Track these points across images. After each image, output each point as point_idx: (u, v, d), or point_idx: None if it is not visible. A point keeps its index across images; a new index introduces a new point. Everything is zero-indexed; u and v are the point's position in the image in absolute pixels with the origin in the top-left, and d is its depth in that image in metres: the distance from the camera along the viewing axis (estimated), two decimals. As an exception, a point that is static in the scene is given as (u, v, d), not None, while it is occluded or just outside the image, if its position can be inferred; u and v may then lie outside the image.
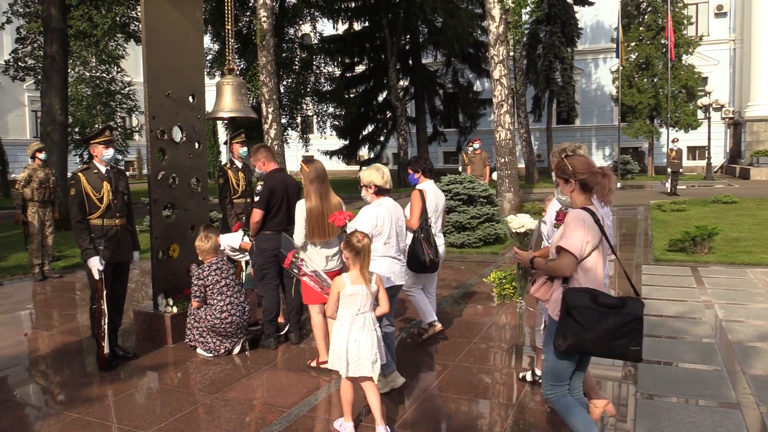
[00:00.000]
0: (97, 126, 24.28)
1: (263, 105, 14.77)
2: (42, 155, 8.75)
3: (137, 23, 18.80)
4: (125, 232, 5.09)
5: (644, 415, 3.79)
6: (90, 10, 17.40)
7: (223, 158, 31.72)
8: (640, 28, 26.52)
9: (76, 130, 28.46)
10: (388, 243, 4.11)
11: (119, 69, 28.19)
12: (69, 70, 19.48)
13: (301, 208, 4.69)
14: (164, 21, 5.65)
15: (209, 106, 6.45)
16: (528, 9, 14.34)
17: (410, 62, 30.14)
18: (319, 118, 27.69)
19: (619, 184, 23.56)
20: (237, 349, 5.14)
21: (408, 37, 29.11)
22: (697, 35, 27.76)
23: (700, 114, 26.59)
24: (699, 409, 3.88)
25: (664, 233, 10.75)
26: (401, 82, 29.71)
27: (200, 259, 5.24)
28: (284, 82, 24.55)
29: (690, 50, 25.78)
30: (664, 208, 14.27)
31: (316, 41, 27.27)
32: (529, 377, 4.31)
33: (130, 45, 23.76)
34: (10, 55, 20.00)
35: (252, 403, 4.15)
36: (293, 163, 28.07)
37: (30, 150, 8.76)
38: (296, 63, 24.97)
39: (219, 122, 26.03)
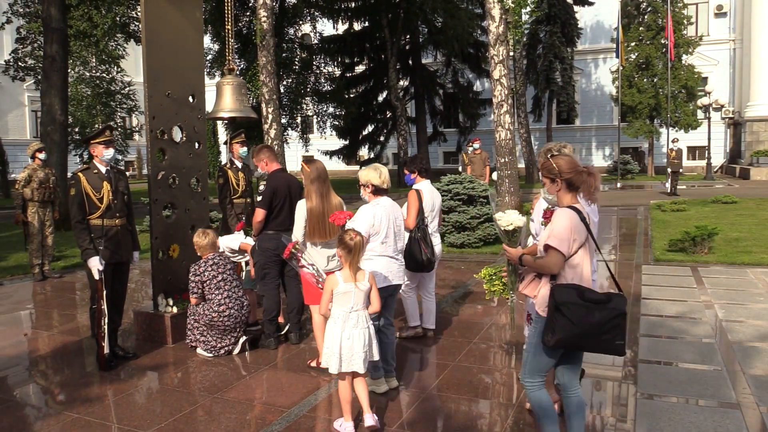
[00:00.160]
0: (97, 126, 24.29)
1: (263, 105, 14.77)
2: (42, 155, 8.75)
3: (137, 23, 18.80)
4: (125, 232, 5.09)
5: (644, 415, 3.79)
6: (90, 10, 17.39)
7: (223, 158, 31.72)
8: (640, 28, 26.52)
9: (76, 130, 28.45)
10: (385, 242, 4.11)
11: (119, 69, 28.19)
12: (69, 70, 19.47)
13: (301, 208, 4.70)
14: (164, 21, 5.65)
15: (209, 106, 6.45)
16: (528, 9, 14.33)
17: (410, 62, 30.14)
18: (319, 118, 27.69)
19: (619, 184, 23.59)
20: (237, 349, 5.14)
21: (408, 37, 29.11)
22: (697, 35, 27.76)
23: (700, 114, 26.59)
24: (699, 409, 3.88)
25: (664, 233, 10.75)
26: (401, 82, 29.71)
27: (199, 255, 5.24)
28: (284, 82, 24.55)
29: (690, 50, 25.78)
30: (664, 208, 14.27)
31: (316, 41, 27.27)
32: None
33: (130, 45, 23.76)
34: (10, 55, 19.99)
35: (252, 403, 4.15)
36: (293, 163, 28.07)
37: (30, 150, 8.76)
38: (296, 63, 24.97)
39: (219, 122, 26.04)
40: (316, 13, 25.83)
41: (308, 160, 4.83)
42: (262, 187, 5.28)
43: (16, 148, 28.58)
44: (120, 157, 29.41)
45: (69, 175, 6.75)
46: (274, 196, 5.20)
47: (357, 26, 28.88)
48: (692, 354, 4.88)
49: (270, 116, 14.70)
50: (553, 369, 3.25)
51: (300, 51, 25.73)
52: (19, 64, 19.73)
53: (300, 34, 26.16)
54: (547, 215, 3.53)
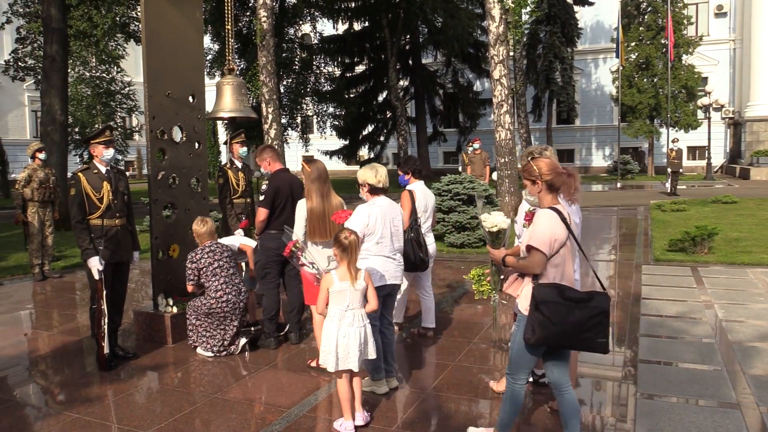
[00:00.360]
0: (97, 126, 24.29)
1: (263, 105, 14.77)
2: (42, 155, 8.75)
3: (137, 23, 18.80)
4: (125, 232, 5.09)
5: (644, 415, 3.79)
6: (90, 10, 17.39)
7: (223, 158, 31.73)
8: (640, 28, 26.53)
9: (76, 130, 28.46)
10: (380, 242, 4.11)
11: (119, 69, 28.20)
12: (69, 70, 19.47)
13: (302, 208, 4.70)
14: (164, 21, 5.65)
15: (209, 106, 6.45)
16: (528, 9, 14.32)
17: (410, 62, 30.17)
18: (319, 118, 27.70)
19: (619, 184, 23.60)
20: (238, 349, 5.13)
21: (408, 37, 29.13)
22: (697, 35, 27.77)
23: (700, 114, 26.60)
24: (699, 409, 3.88)
25: (664, 233, 10.75)
26: (401, 82, 29.72)
27: (197, 242, 5.23)
28: (284, 82, 24.55)
29: (690, 50, 25.80)
30: (664, 208, 14.27)
31: (316, 41, 27.27)
32: (529, 377, 4.32)
33: (130, 45, 23.76)
34: (10, 55, 19.99)
35: (252, 403, 4.15)
36: (293, 163, 28.07)
37: (30, 150, 8.76)
38: (296, 63, 24.97)
39: (219, 122, 26.04)
40: (316, 13, 25.83)
41: (309, 160, 4.83)
42: (264, 187, 5.28)
43: (16, 148, 28.58)
44: (120, 157, 29.41)
45: (69, 175, 6.75)
46: (276, 196, 5.21)
47: (357, 26, 28.89)
48: (692, 354, 4.88)
49: (270, 116, 14.70)
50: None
51: (300, 51, 25.74)
52: (19, 64, 19.73)
53: (300, 34, 26.17)
54: (528, 217, 3.59)
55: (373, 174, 4.18)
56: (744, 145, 28.25)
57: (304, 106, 26.30)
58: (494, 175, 13.33)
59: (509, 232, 3.59)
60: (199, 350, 5.15)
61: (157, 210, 5.64)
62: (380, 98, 29.70)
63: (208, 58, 22.75)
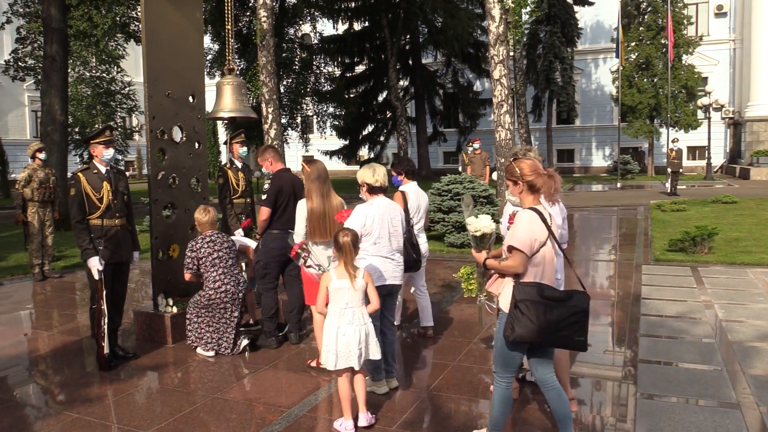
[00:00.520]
0: (97, 126, 24.28)
1: (263, 105, 14.77)
2: (42, 155, 8.75)
3: (137, 23, 18.79)
4: (125, 232, 5.09)
5: (644, 415, 3.79)
6: (90, 10, 17.39)
7: (223, 158, 31.73)
8: (640, 28, 26.53)
9: (76, 130, 28.45)
10: (378, 243, 4.11)
11: (119, 69, 28.20)
12: (69, 70, 19.45)
13: (302, 208, 4.71)
14: (164, 21, 5.65)
15: (209, 106, 6.45)
16: (528, 9, 14.32)
17: (410, 62, 30.17)
18: (319, 118, 27.70)
19: (619, 184, 23.60)
20: (239, 349, 5.13)
21: (408, 37, 29.14)
22: (697, 35, 27.77)
23: (700, 114, 26.60)
24: (699, 409, 3.88)
25: (664, 233, 10.75)
26: (401, 82, 29.73)
27: (198, 231, 5.21)
28: (284, 82, 24.55)
29: (690, 50, 25.80)
30: (664, 208, 14.27)
31: (316, 41, 27.27)
32: (529, 377, 4.32)
33: (130, 45, 23.76)
34: (10, 55, 19.98)
35: (252, 403, 4.15)
36: (293, 163, 27.99)
37: (30, 150, 8.76)
38: (296, 63, 24.98)
39: (219, 122, 26.04)
40: (316, 13, 25.84)
41: (309, 160, 4.84)
42: (267, 186, 5.29)
43: (16, 148, 28.58)
44: (120, 157, 29.41)
45: (69, 175, 6.75)
46: (279, 195, 5.22)
47: (357, 26, 28.90)
48: (692, 354, 4.88)
49: (270, 116, 14.70)
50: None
51: (300, 51, 25.74)
52: (19, 64, 19.72)
53: (300, 34, 26.17)
54: (512, 220, 3.63)
55: (371, 173, 4.18)
56: (744, 145, 28.25)
57: (304, 106, 26.31)
58: (494, 175, 13.33)
59: (494, 236, 3.60)
60: (199, 350, 5.15)
61: (157, 210, 5.64)
62: (380, 98, 29.71)
63: (208, 58, 22.75)
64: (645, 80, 26.21)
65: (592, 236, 11.74)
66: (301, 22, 25.44)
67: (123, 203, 5.06)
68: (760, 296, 6.61)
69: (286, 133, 24.84)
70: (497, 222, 4.03)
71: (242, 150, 6.60)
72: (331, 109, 27.59)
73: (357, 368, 3.61)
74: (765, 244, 9.47)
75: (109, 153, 5.00)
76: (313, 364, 4.79)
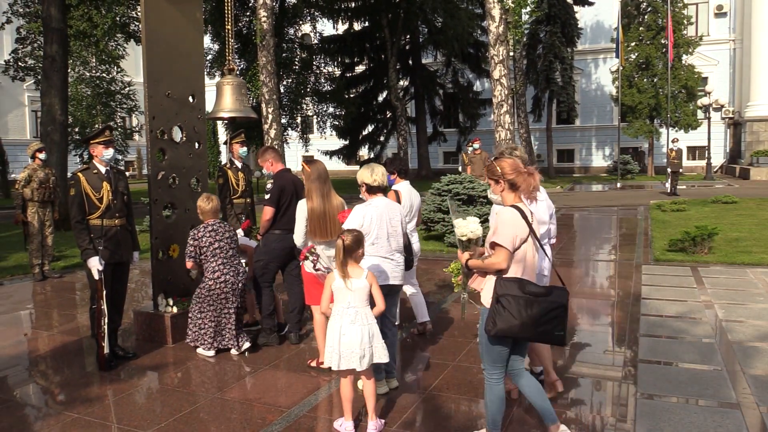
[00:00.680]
0: (97, 126, 24.29)
1: (263, 105, 14.78)
2: (42, 155, 8.75)
3: (137, 23, 18.79)
4: (125, 232, 5.09)
5: (644, 415, 3.79)
6: (90, 10, 17.39)
7: (223, 158, 31.74)
8: (640, 28, 26.53)
9: (76, 130, 28.46)
10: (376, 243, 4.10)
11: (119, 69, 28.19)
12: (69, 70, 19.45)
13: (302, 208, 4.71)
14: (164, 21, 5.65)
15: (209, 106, 6.45)
16: (528, 9, 14.34)
17: (410, 62, 30.18)
18: (319, 118, 27.71)
19: (619, 184, 23.61)
20: (240, 349, 5.12)
21: (408, 37, 29.15)
22: (697, 35, 27.77)
23: (700, 114, 26.60)
24: (699, 409, 3.88)
25: (664, 233, 10.75)
26: (401, 82, 29.74)
27: (200, 219, 5.18)
28: (284, 82, 24.56)
29: (690, 50, 25.79)
30: (664, 208, 14.27)
31: (316, 41, 27.28)
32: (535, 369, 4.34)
33: (130, 45, 23.75)
34: (10, 55, 19.98)
35: (252, 403, 4.15)
36: (293, 163, 27.96)
37: (30, 150, 8.76)
38: (296, 63, 24.99)
39: (219, 122, 26.04)
40: (316, 13, 25.86)
41: (309, 160, 4.84)
42: (269, 186, 5.30)
43: (16, 148, 28.57)
44: (120, 157, 29.43)
45: (69, 175, 6.75)
46: (281, 195, 5.23)
47: (357, 26, 28.91)
48: (692, 354, 4.88)
49: (270, 116, 14.70)
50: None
51: (300, 51, 25.76)
52: (19, 64, 19.72)
53: (300, 34, 26.18)
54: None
55: (369, 173, 4.18)
56: (744, 145, 28.25)
57: (304, 106, 26.32)
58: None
59: (481, 239, 3.62)
60: (199, 350, 5.14)
61: (157, 210, 5.64)
62: (380, 98, 29.71)
63: (208, 58, 22.76)
64: (645, 80, 26.21)
65: (593, 236, 11.75)
66: (301, 22, 25.46)
67: (123, 203, 5.06)
68: (760, 296, 6.61)
69: (286, 133, 24.85)
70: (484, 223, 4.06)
71: (242, 150, 6.60)
72: (331, 109, 27.60)
73: (359, 369, 3.58)
74: (765, 244, 9.47)
75: (109, 153, 5.00)
76: (313, 364, 4.79)
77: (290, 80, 24.98)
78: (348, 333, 3.56)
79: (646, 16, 26.75)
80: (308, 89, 25.88)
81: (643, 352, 4.94)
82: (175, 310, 5.50)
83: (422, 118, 30.23)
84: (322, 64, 28.04)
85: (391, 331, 4.33)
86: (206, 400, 4.19)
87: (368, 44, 28.89)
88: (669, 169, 18.96)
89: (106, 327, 4.76)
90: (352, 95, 28.44)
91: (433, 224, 10.30)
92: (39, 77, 18.10)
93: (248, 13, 22.82)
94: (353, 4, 27.30)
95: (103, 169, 4.97)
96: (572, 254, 9.78)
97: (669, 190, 18.80)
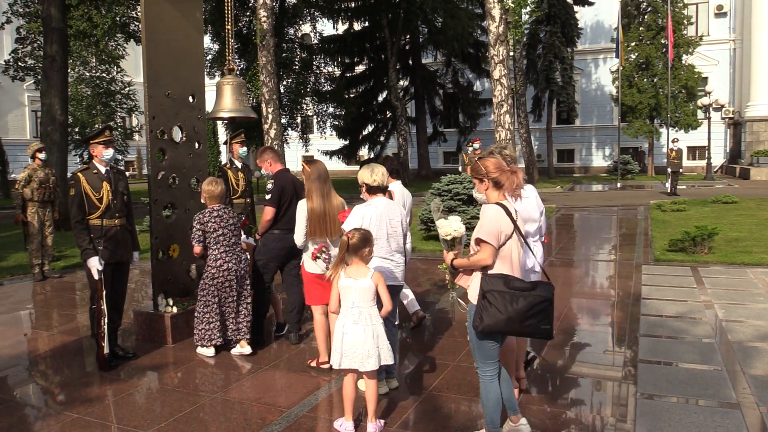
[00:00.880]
0: (97, 126, 24.27)
1: (263, 105, 14.77)
2: (42, 155, 8.75)
3: (137, 23, 18.80)
4: (125, 232, 5.09)
5: (644, 415, 3.79)
6: (90, 10, 17.39)
7: (223, 158, 31.72)
8: (640, 28, 26.53)
9: (76, 130, 28.45)
10: (376, 244, 4.09)
11: (119, 69, 28.19)
12: (69, 70, 19.46)
13: (302, 208, 4.71)
14: (164, 21, 5.65)
15: (209, 106, 6.45)
16: (528, 9, 14.34)
17: (410, 62, 30.17)
18: (319, 118, 27.70)
19: (619, 184, 23.61)
20: (240, 349, 5.12)
21: (408, 37, 29.13)
22: (697, 35, 27.77)
23: (700, 114, 26.60)
24: (699, 409, 3.88)
25: (664, 233, 10.75)
26: (401, 82, 29.72)
27: (203, 202, 5.11)
28: (284, 82, 24.56)
29: (690, 50, 25.79)
30: (664, 208, 14.27)
31: (316, 41, 27.28)
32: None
33: (130, 45, 23.76)
34: (10, 55, 19.98)
35: (252, 403, 4.15)
36: (293, 163, 27.98)
37: (30, 150, 8.77)
38: (296, 63, 24.98)
39: (219, 122, 26.04)
40: (316, 13, 25.85)
41: (309, 160, 4.85)
42: (269, 186, 5.30)
43: (16, 148, 28.58)
44: (120, 157, 29.42)
45: (69, 175, 6.75)
46: (282, 195, 5.23)
47: (357, 26, 28.89)
48: (692, 354, 4.88)
49: (270, 116, 14.70)
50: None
51: (300, 51, 25.75)
52: (19, 64, 19.72)
53: (300, 34, 26.17)
54: None
55: (369, 173, 4.18)
56: (744, 145, 28.25)
57: (304, 106, 26.31)
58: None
59: (465, 237, 3.65)
60: (198, 350, 5.14)
61: (157, 210, 5.64)
62: (380, 98, 29.69)
63: (208, 58, 22.75)
64: (645, 80, 26.20)
65: (593, 236, 11.75)
66: (301, 22, 25.45)
67: (123, 203, 5.06)
68: (760, 296, 6.61)
69: (286, 133, 24.85)
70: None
71: (242, 150, 6.60)
72: (331, 109, 27.59)
73: (362, 370, 3.57)
74: (765, 244, 9.47)
75: (109, 153, 5.00)
76: (313, 364, 4.79)
77: (290, 80, 24.98)
78: (350, 332, 3.56)
79: (646, 16, 26.75)
80: (308, 89, 25.87)
81: (643, 352, 4.94)
82: (175, 310, 5.50)
83: (422, 118, 30.22)
84: (322, 64, 28.02)
85: (391, 332, 4.32)
86: (206, 400, 4.19)
87: (368, 44, 28.87)
88: (669, 169, 18.96)
89: (106, 327, 4.76)
90: (352, 95, 28.42)
91: (433, 224, 10.30)
92: (39, 77, 18.11)
93: (248, 13, 22.81)
94: (353, 4, 27.28)
95: (103, 169, 4.97)
96: (572, 254, 9.78)
97: (669, 190, 18.80)
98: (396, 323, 5.24)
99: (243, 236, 5.95)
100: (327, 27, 28.97)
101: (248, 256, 5.35)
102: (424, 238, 10.91)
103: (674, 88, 25.28)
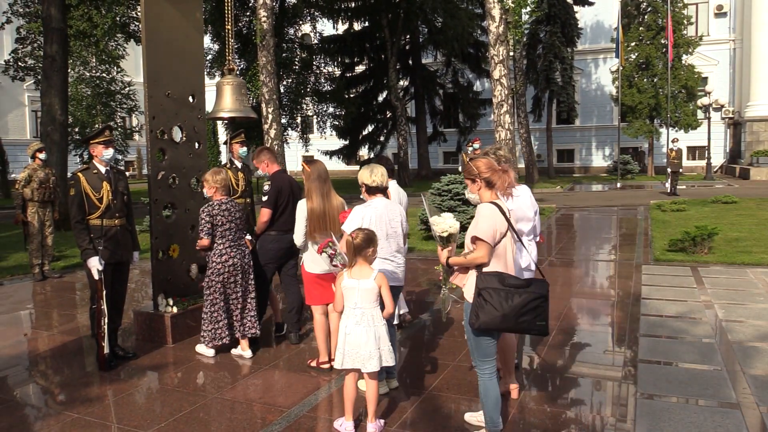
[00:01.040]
0: (97, 126, 24.26)
1: (263, 105, 14.77)
2: (42, 155, 8.75)
3: (137, 23, 18.80)
4: (125, 232, 5.09)
5: (644, 415, 3.79)
6: (90, 10, 17.39)
7: (223, 158, 31.71)
8: (640, 28, 26.53)
9: (76, 130, 28.45)
10: None
11: (119, 69, 28.18)
12: (69, 70, 19.45)
13: (302, 208, 4.71)
14: (164, 21, 5.65)
15: (209, 106, 6.46)
16: (528, 9, 14.34)
17: (410, 62, 30.16)
18: (319, 118, 27.70)
19: (619, 184, 23.61)
20: (240, 351, 5.12)
21: (408, 37, 29.13)
22: (697, 35, 27.77)
23: (700, 114, 26.60)
24: (699, 409, 3.88)
25: (664, 233, 10.75)
26: (401, 82, 29.71)
27: (209, 195, 5.05)
28: (284, 82, 24.56)
29: (690, 50, 25.79)
30: (664, 208, 14.27)
31: (316, 41, 27.27)
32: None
33: (130, 45, 23.76)
34: (10, 55, 19.98)
35: (252, 403, 4.15)
36: (293, 163, 28.01)
37: (30, 150, 8.77)
38: (296, 63, 24.98)
39: (219, 122, 26.04)
40: (316, 13, 25.84)
41: (309, 160, 4.84)
42: (266, 187, 5.30)
43: (16, 148, 28.58)
44: (120, 157, 29.42)
45: (69, 175, 6.76)
46: (279, 196, 5.23)
47: (357, 26, 28.88)
48: (692, 354, 4.88)
49: (270, 116, 14.70)
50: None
51: (300, 51, 25.74)
52: (19, 64, 19.72)
53: (300, 34, 26.16)
54: None
55: (369, 174, 4.18)
56: (744, 145, 28.25)
57: (304, 106, 26.31)
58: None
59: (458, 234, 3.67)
60: (199, 349, 5.14)
61: (157, 210, 5.64)
62: (380, 98, 29.69)
63: (208, 58, 22.75)
64: (645, 80, 26.20)
65: (593, 236, 11.75)
66: (301, 22, 25.44)
67: (123, 203, 5.06)
68: (760, 296, 6.61)
69: (286, 133, 24.84)
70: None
71: (242, 150, 6.60)
72: (331, 109, 27.59)
73: (365, 371, 3.57)
74: (765, 244, 9.47)
75: (109, 153, 5.00)
76: (313, 364, 4.79)
77: (290, 80, 24.97)
78: (353, 333, 3.57)
79: (646, 16, 26.75)
80: (308, 89, 25.87)
81: (643, 352, 4.94)
82: (175, 310, 5.51)
83: (422, 118, 30.21)
84: (322, 64, 28.02)
85: (391, 332, 4.33)
86: (206, 400, 4.19)
87: (368, 44, 28.86)
88: (669, 169, 18.96)
89: (106, 327, 4.76)
90: (352, 95, 28.42)
91: (433, 224, 10.29)
92: (39, 77, 18.11)
93: (248, 13, 22.81)
94: (353, 4, 27.28)
95: (103, 169, 4.97)
96: (572, 254, 9.78)
97: (669, 190, 18.80)
98: (396, 323, 5.24)
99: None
100: (327, 27, 28.96)
101: (249, 251, 5.34)
102: (423, 238, 10.91)
103: (674, 88, 25.29)
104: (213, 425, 3.80)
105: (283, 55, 22.98)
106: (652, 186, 22.88)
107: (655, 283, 7.36)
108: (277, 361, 5.00)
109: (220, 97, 6.54)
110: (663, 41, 25.41)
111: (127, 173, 21.89)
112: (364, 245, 3.60)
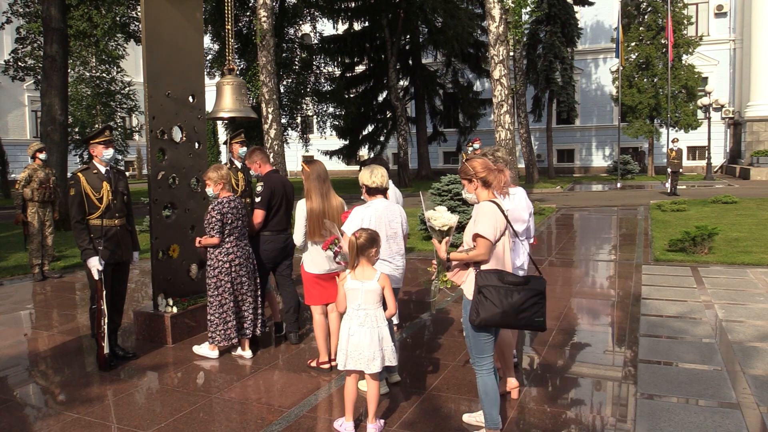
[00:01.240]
0: (97, 126, 24.28)
1: (263, 105, 14.76)
2: (42, 155, 8.75)
3: (137, 23, 18.80)
4: (125, 232, 5.09)
5: (644, 415, 3.79)
6: (90, 10, 17.39)
7: (223, 158, 31.72)
8: (640, 28, 26.53)
9: (76, 130, 28.45)
10: None
11: (119, 69, 28.18)
12: (69, 70, 19.44)
13: (301, 208, 4.71)
14: (164, 21, 5.65)
15: (209, 106, 6.46)
16: (528, 9, 14.32)
17: (410, 62, 30.16)
18: (319, 118, 27.68)
19: (619, 184, 23.61)
20: (245, 351, 5.12)
21: (408, 37, 29.12)
22: (697, 35, 27.77)
23: (700, 114, 26.60)
24: (699, 409, 3.88)
25: (664, 233, 10.75)
26: (401, 82, 29.71)
27: (214, 193, 5.00)
28: (284, 82, 24.55)
29: (690, 50, 25.79)
30: (664, 208, 14.27)
31: (316, 41, 27.27)
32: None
33: (130, 45, 23.76)
34: (10, 55, 19.98)
35: (252, 403, 4.15)
36: (293, 163, 28.01)
37: (30, 150, 8.77)
38: (296, 63, 24.96)
39: (219, 122, 26.04)
40: (316, 13, 25.83)
41: (308, 160, 4.84)
42: (259, 188, 5.29)
43: (16, 148, 28.59)
44: (120, 157, 29.41)
45: (69, 175, 6.76)
46: (272, 197, 5.22)
47: (357, 26, 28.89)
48: (692, 354, 4.88)
49: (270, 116, 14.69)
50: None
51: (300, 51, 25.73)
52: (19, 64, 19.71)
53: (300, 34, 26.15)
54: None
55: (369, 174, 4.18)
56: (744, 145, 28.25)
57: (304, 106, 26.29)
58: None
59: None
60: (197, 350, 5.14)
61: (157, 210, 5.64)
62: (380, 98, 29.69)
63: (208, 58, 22.74)
64: (645, 80, 26.20)
65: (593, 236, 11.75)
66: (301, 22, 25.43)
67: (123, 203, 5.06)
68: (760, 296, 6.61)
69: (286, 133, 24.84)
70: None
71: (242, 150, 6.59)
72: (331, 109, 27.57)
73: (368, 372, 3.57)
74: (765, 244, 9.47)
75: (109, 153, 5.00)
76: (313, 364, 4.79)
77: (290, 80, 24.96)
78: (356, 334, 3.56)
79: (646, 16, 26.75)
80: (308, 89, 25.85)
81: (643, 352, 4.94)
82: (175, 310, 5.51)
83: (422, 118, 30.21)
84: (322, 64, 28.01)
85: (391, 332, 4.33)
86: (206, 400, 4.19)
87: (368, 44, 28.85)
88: (669, 169, 18.97)
89: (106, 327, 4.76)
90: (352, 95, 28.41)
91: (433, 224, 10.29)
92: (39, 77, 18.11)
93: (248, 13, 22.80)
94: (353, 4, 27.28)
95: (103, 169, 4.97)
96: (572, 254, 9.78)
97: (669, 190, 18.80)
98: (396, 323, 5.25)
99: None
100: (327, 27, 28.96)
101: (252, 250, 5.33)
102: (424, 238, 10.91)
103: (674, 88, 25.29)
104: (213, 425, 3.80)
105: (283, 55, 22.98)
106: (652, 186, 22.88)
107: (655, 283, 7.36)
108: (276, 362, 5.00)
109: (220, 97, 6.54)
110: (663, 41, 25.41)
111: (127, 173, 21.92)
112: (368, 245, 3.60)
